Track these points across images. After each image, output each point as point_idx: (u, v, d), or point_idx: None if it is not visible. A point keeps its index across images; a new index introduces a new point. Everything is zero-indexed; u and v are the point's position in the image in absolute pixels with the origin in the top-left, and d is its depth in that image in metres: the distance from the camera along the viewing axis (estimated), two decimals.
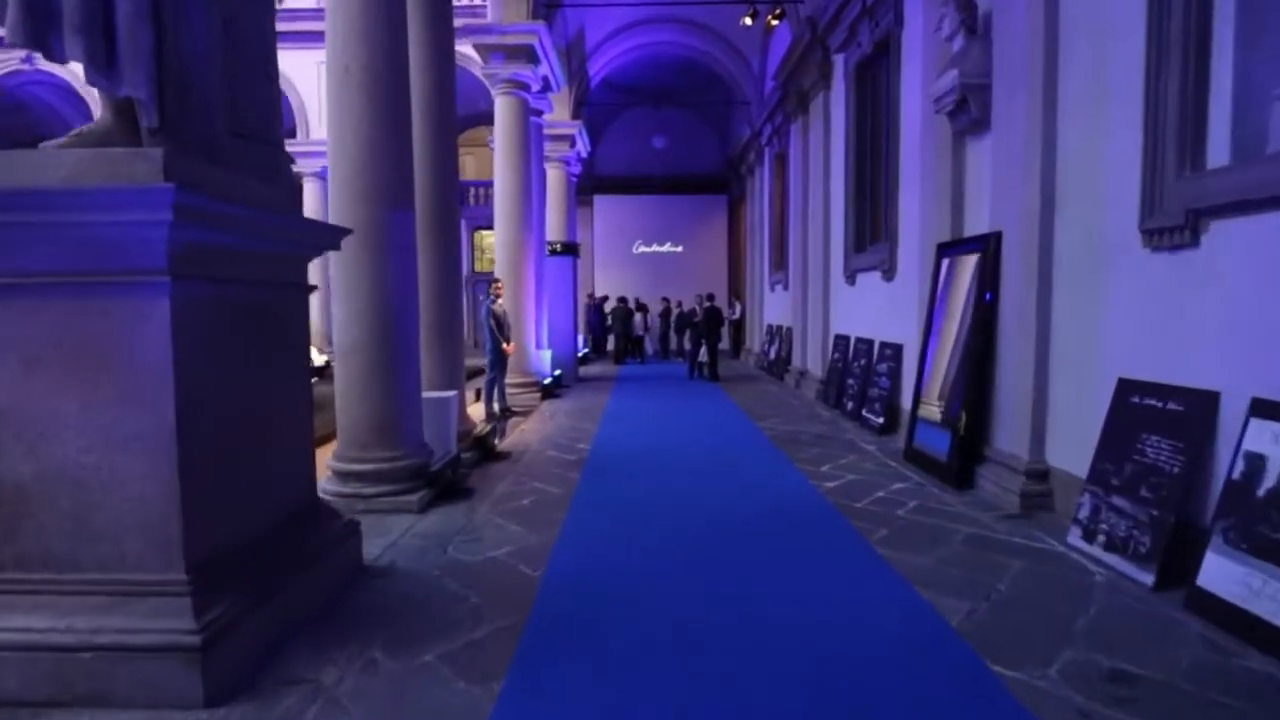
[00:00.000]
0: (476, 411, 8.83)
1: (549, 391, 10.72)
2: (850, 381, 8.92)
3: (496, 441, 6.75)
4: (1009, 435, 4.99)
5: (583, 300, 19.55)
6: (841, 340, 9.69)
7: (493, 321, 8.48)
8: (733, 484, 5.56)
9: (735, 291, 19.80)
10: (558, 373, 11.96)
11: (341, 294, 4.84)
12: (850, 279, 9.32)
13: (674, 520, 4.60)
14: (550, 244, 12.63)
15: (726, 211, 21.81)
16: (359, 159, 4.74)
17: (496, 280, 8.58)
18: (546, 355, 11.33)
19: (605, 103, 21.12)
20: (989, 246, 5.21)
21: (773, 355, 14.27)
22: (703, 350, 12.85)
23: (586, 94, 17.17)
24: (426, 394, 5.75)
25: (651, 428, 8.26)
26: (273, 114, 3.36)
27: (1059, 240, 4.59)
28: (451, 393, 5.88)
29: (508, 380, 10.00)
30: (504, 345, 8.56)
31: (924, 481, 5.50)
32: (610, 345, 18.25)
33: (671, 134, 21.40)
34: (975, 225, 5.74)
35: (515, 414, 9.04)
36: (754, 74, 15.84)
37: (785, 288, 13.59)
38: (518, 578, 3.64)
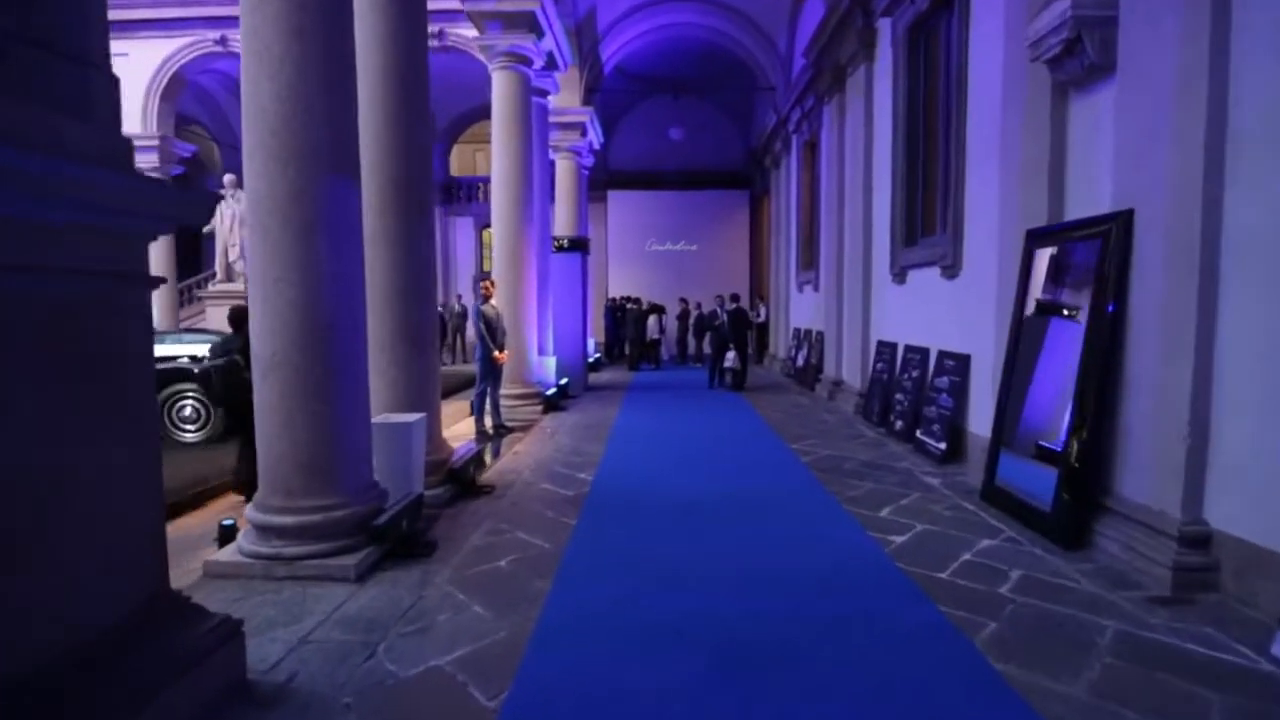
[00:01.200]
0: (460, 431, 7.68)
1: (552, 404, 9.56)
2: (899, 397, 7.65)
3: (477, 473, 5.59)
4: (1145, 483, 3.73)
5: (596, 300, 18.42)
6: (886, 348, 8.42)
7: (482, 325, 7.34)
8: (769, 540, 4.33)
9: (759, 293, 18.53)
10: (564, 381, 10.79)
11: (257, 291, 3.70)
12: (899, 277, 8.05)
13: (693, 601, 3.39)
14: (556, 239, 11.49)
15: (748, 208, 20.55)
16: (278, 109, 3.59)
17: (487, 278, 7.43)
18: (550, 363, 10.17)
19: (619, 92, 19.96)
20: (1113, 231, 3.95)
21: (800, 362, 13.00)
22: (729, 357, 11.60)
23: (599, 80, 16.03)
24: (383, 419, 4.59)
25: (667, 451, 7.05)
26: (89, 15, 2.22)
27: (1231, 221, 3.32)
28: (415, 416, 4.71)
29: (503, 392, 8.86)
30: (495, 353, 7.41)
31: (1018, 536, 4.24)
32: (624, 349, 17.08)
33: (690, 126, 20.18)
34: (1084, 204, 4.47)
35: (510, 431, 7.88)
36: (780, 56, 14.59)
37: (815, 288, 12.32)
38: (463, 715, 2.46)
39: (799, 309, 13.93)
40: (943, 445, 6.29)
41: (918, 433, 6.83)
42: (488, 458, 6.66)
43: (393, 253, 4.98)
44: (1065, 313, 4.44)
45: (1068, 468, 4.07)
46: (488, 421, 7.82)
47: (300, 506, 3.67)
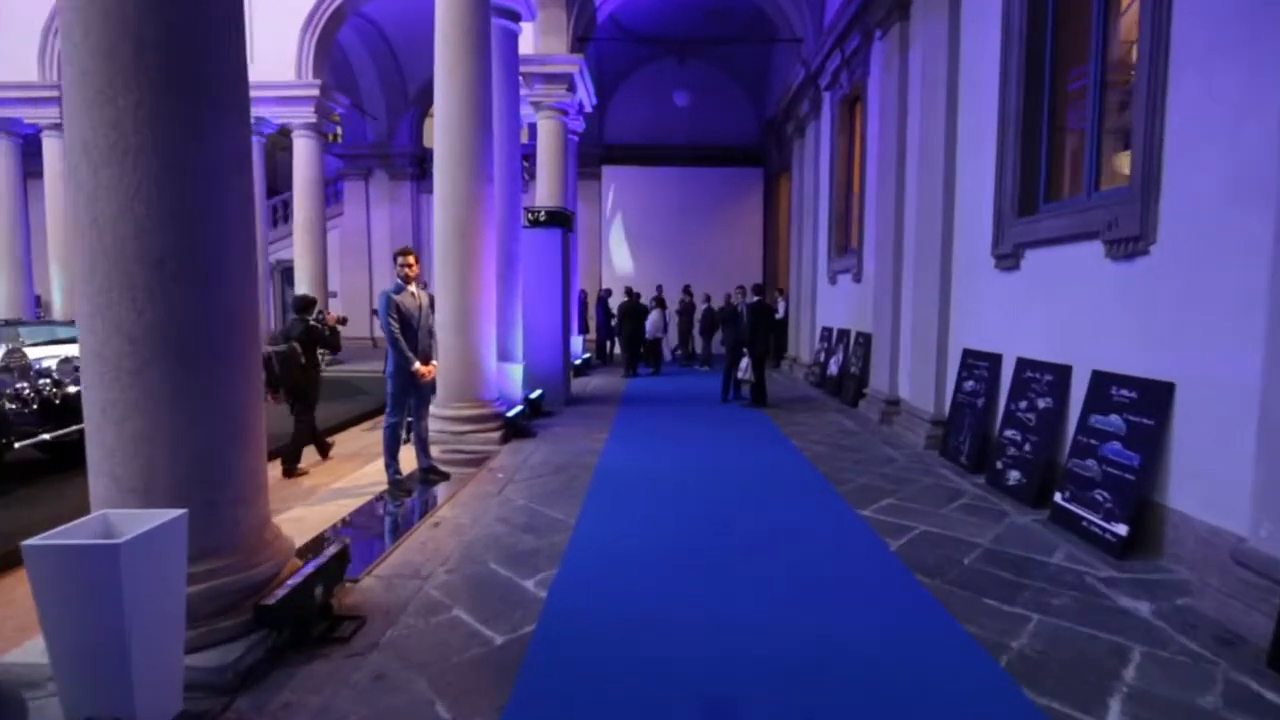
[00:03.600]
0: (359, 483, 5.20)
1: (516, 428, 7.11)
2: (1011, 435, 5.22)
3: (330, 597, 3.13)
4: None
5: (588, 291, 15.95)
6: (981, 361, 5.99)
7: (392, 321, 4.88)
8: None
9: (776, 285, 16.07)
10: (535, 395, 8.36)
11: None
12: (1007, 261, 5.59)
13: None
14: (530, 211, 9.02)
15: (762, 187, 18.06)
16: None
17: (406, 252, 4.97)
18: (516, 372, 7.73)
19: (615, 54, 17.48)
20: None
21: (834, 369, 10.56)
22: (742, 364, 9.16)
23: (591, 28, 13.52)
24: (60, 535, 2.16)
25: (672, 519, 4.61)
26: None
27: None
28: (157, 519, 2.26)
29: (445, 414, 6.44)
30: (413, 364, 4.95)
31: None
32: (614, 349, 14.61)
33: (697, 95, 17.66)
34: None
35: (444, 478, 5.44)
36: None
37: (856, 278, 9.87)
38: None
39: (830, 304, 11.48)
40: (1121, 529, 3.86)
41: (1061, 498, 4.40)
42: (386, 537, 4.23)
43: (109, 170, 2.51)
44: None
45: None
46: (419, 464, 5.38)
47: None
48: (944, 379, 6.76)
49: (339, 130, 19.39)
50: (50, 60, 13.38)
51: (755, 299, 9.34)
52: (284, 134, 13.97)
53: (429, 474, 5.39)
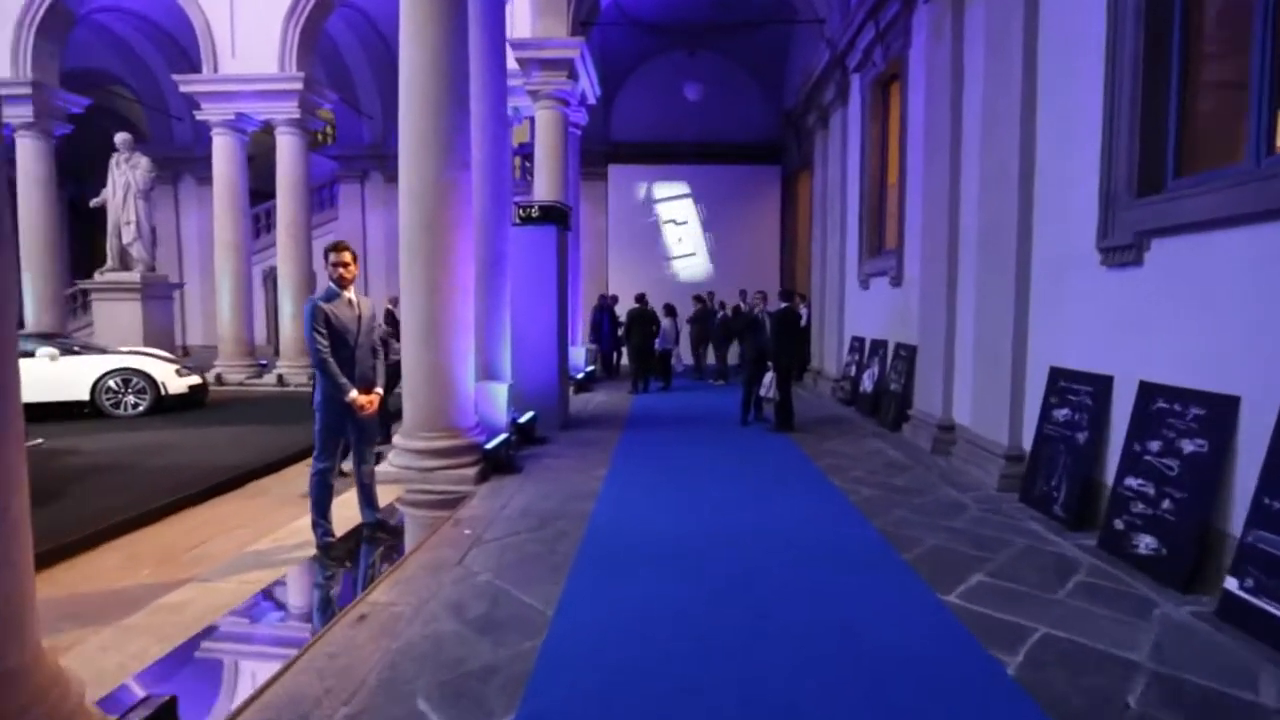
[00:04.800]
0: (286, 544, 3.98)
1: (497, 461, 5.90)
2: (1136, 485, 3.95)
3: None
4: None
5: (589, 296, 14.77)
6: (1081, 384, 4.72)
7: (321, 338, 3.69)
8: None
9: (798, 290, 14.77)
10: (527, 418, 7.16)
11: None
12: (1125, 253, 4.32)
13: None
14: (521, 207, 7.85)
15: (780, 186, 16.83)
16: None
17: (339, 248, 3.77)
18: (501, 393, 6.52)
19: (622, 48, 16.36)
20: None
21: (867, 385, 9.29)
22: (765, 381, 7.90)
23: (595, 13, 12.39)
24: None
25: (684, 607, 3.35)
26: None
27: None
28: None
29: (414, 446, 5.28)
30: (348, 391, 3.75)
31: None
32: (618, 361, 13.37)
33: (709, 88, 16.50)
34: None
35: (393, 535, 4.23)
36: None
37: (894, 282, 8.61)
38: None
39: (862, 311, 10.21)
40: None
41: (1240, 586, 3.11)
42: (285, 643, 3.00)
43: None
44: None
45: None
46: (352, 524, 4.18)
47: None
48: (1021, 404, 5.48)
49: (328, 130, 18.41)
50: (24, 55, 12.36)
51: (781, 305, 8.09)
52: (267, 131, 12.94)
53: (376, 532, 4.19)
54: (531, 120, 11.56)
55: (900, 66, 8.54)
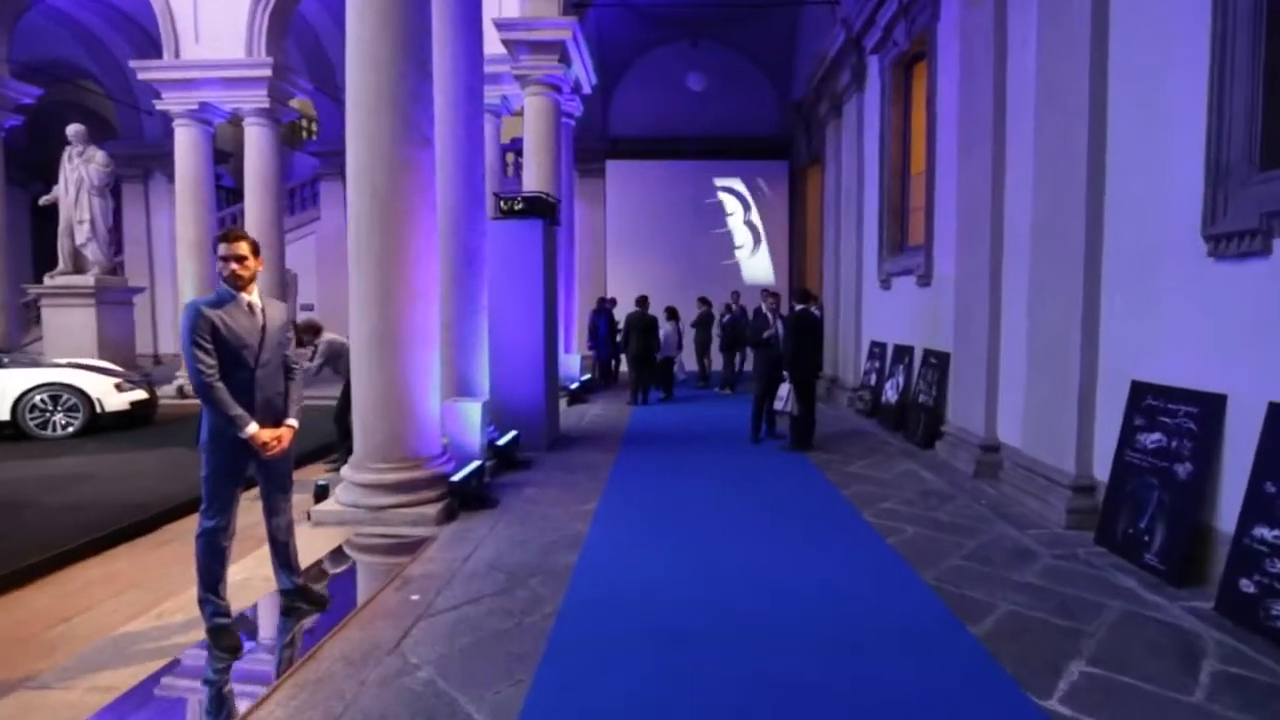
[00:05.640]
0: (168, 623, 3.05)
1: (466, 496, 4.97)
2: (1270, 536, 3.03)
3: None
4: None
5: (585, 299, 13.87)
6: (1179, 403, 3.81)
7: (204, 354, 2.79)
8: None
9: (810, 292, 13.83)
10: (508, 439, 6.26)
11: None
12: (1244, 241, 3.40)
13: None
14: (502, 199, 6.95)
15: (788, 183, 15.92)
16: None
17: (231, 238, 2.87)
18: (473, 412, 5.59)
19: (621, 38, 15.50)
20: None
21: (890, 395, 8.37)
22: (782, 392, 6.97)
23: None
24: None
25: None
26: None
27: None
28: None
29: (363, 480, 4.39)
30: (244, 425, 2.84)
31: None
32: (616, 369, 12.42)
33: (713, 79, 15.62)
34: None
35: (315, 605, 3.31)
36: None
37: (922, 281, 7.71)
38: None
39: (882, 314, 9.30)
40: None
41: None
42: None
43: None
44: None
45: None
46: (260, 582, 3.27)
47: None
48: (1091, 424, 4.57)
49: (309, 125, 17.54)
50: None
51: (798, 308, 7.18)
52: (236, 123, 12.07)
53: (295, 601, 3.28)
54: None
55: (927, 43, 7.65)
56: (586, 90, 11.93)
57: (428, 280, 4.85)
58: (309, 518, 4.63)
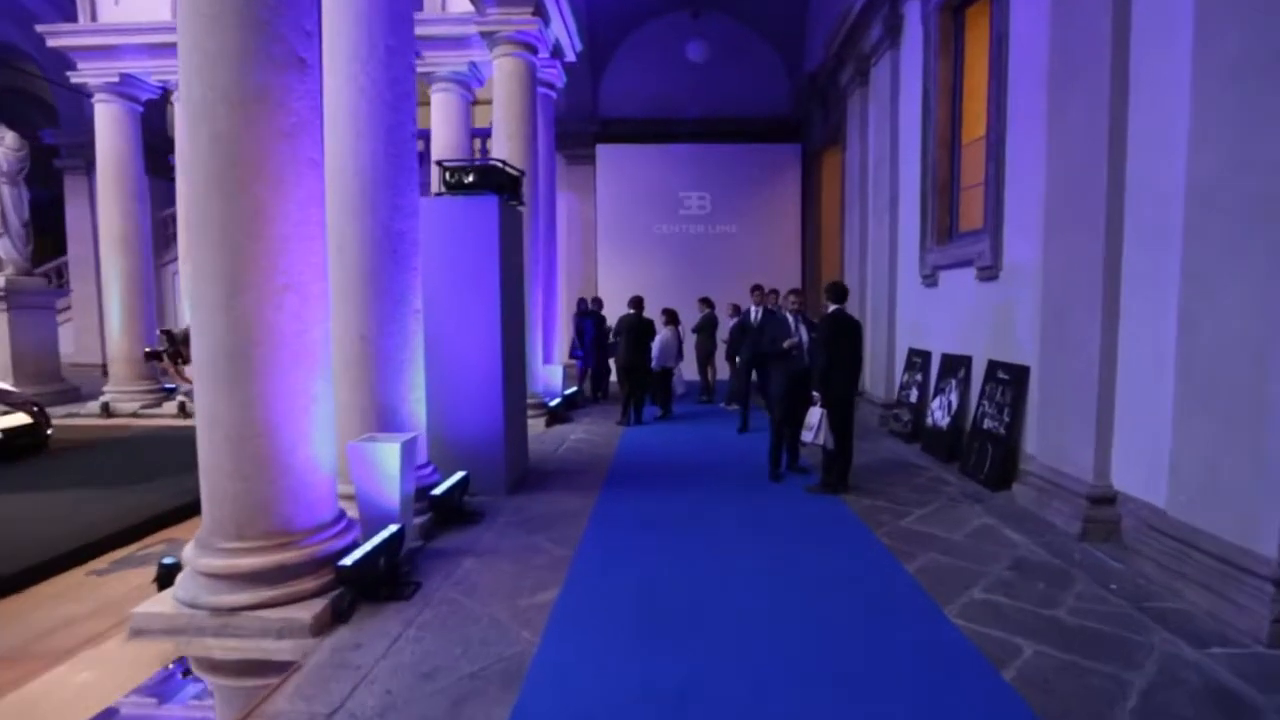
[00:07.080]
0: None
1: (370, 582, 3.39)
2: None
3: None
4: None
5: (568, 301, 12.28)
6: None
7: None
8: None
9: (844, 288, 12.22)
10: (452, 482, 4.69)
11: None
12: None
13: None
14: (448, 169, 5.36)
15: (800, 167, 14.32)
16: None
17: None
18: (389, 455, 3.99)
19: (613, 9, 13.93)
20: None
21: (939, 418, 6.78)
22: (813, 418, 5.34)
23: None
24: None
25: None
26: None
27: None
28: None
29: (205, 564, 2.80)
30: None
31: None
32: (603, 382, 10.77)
33: (717, 54, 14.05)
34: None
35: None
36: None
37: (986, 274, 6.13)
38: None
39: (926, 316, 7.70)
40: None
41: None
42: None
43: None
44: None
45: None
46: None
47: None
48: None
49: None
50: None
51: (832, 308, 5.60)
52: (167, 99, 10.51)
53: None
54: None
55: None
56: (570, 57, 10.36)
57: (304, 266, 3.28)
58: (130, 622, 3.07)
